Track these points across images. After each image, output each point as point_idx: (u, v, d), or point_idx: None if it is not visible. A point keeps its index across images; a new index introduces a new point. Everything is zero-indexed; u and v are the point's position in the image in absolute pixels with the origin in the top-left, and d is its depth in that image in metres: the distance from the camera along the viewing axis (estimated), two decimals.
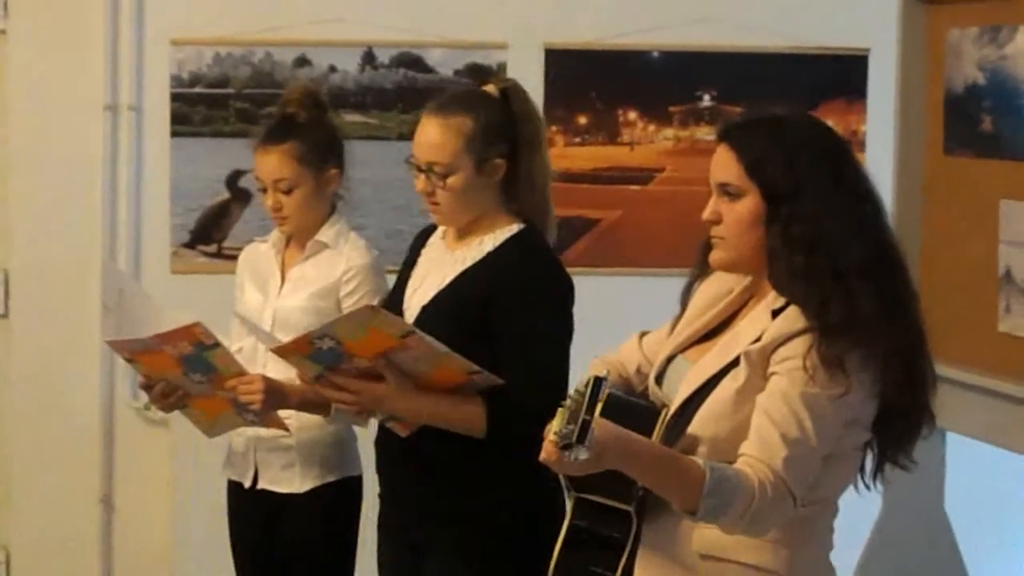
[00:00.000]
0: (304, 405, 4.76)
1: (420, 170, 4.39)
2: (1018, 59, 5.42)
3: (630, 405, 3.65)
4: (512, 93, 4.46)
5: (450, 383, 4.25)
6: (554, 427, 3.20)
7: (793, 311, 3.49)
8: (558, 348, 4.33)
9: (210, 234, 7.10)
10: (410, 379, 4.25)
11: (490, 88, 4.48)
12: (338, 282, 4.92)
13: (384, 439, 4.52)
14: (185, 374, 4.69)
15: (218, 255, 6.99)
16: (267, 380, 4.70)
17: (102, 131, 7.13)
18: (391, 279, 4.76)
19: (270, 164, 4.94)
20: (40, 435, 7.23)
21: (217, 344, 4.61)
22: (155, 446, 6.97)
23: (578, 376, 3.53)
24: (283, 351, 4.34)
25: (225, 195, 7.07)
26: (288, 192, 4.93)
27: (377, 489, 4.64)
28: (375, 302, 4.78)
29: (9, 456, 7.28)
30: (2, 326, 7.23)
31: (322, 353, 4.23)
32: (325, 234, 5.00)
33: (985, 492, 6.67)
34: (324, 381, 4.32)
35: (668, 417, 3.59)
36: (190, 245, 7.13)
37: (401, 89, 7.10)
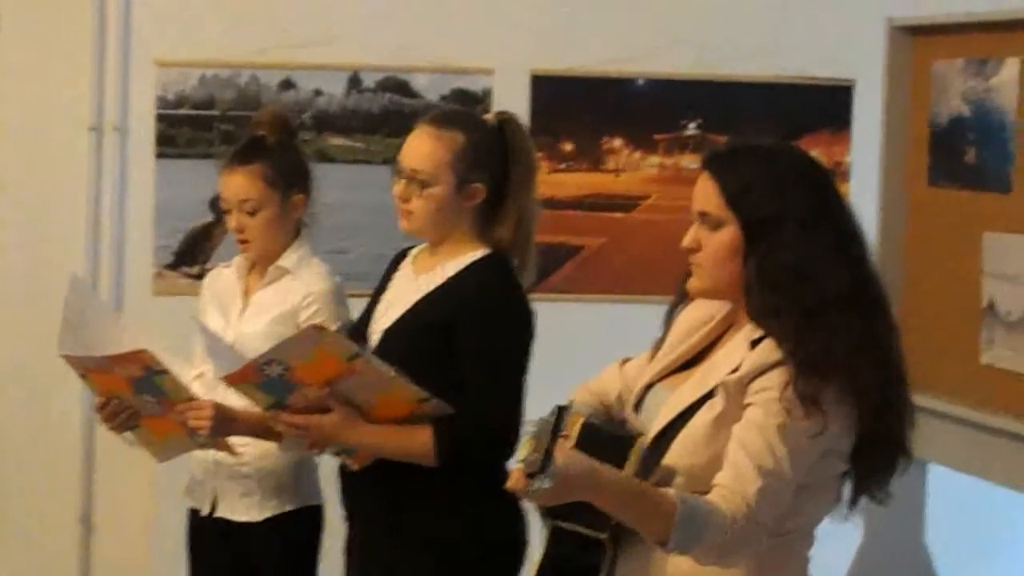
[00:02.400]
0: (254, 432, 4.70)
1: (402, 175, 4.39)
2: (1003, 92, 5.43)
3: (605, 434, 3.64)
4: (509, 127, 4.48)
5: (398, 413, 4.22)
6: (519, 455, 3.22)
7: (771, 342, 3.47)
8: (512, 374, 4.31)
9: (194, 255, 7.09)
10: (358, 410, 4.23)
11: (489, 117, 4.50)
12: (297, 307, 4.89)
13: (343, 468, 4.50)
14: (136, 395, 4.66)
15: (201, 277, 6.93)
16: (217, 407, 4.64)
17: (87, 151, 7.12)
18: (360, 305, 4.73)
19: (236, 184, 4.93)
20: (21, 454, 7.22)
21: (166, 371, 4.58)
22: (135, 465, 6.95)
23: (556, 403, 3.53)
24: (232, 379, 4.31)
25: (209, 217, 7.06)
26: (252, 214, 4.91)
27: (340, 513, 4.62)
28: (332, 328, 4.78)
29: None
30: None
31: (271, 381, 4.19)
32: (287, 259, 4.98)
33: (967, 523, 6.66)
34: (275, 414, 4.30)
35: (644, 446, 3.57)
36: (173, 266, 7.12)
37: (387, 113, 7.10)
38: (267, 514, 4.96)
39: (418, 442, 4.22)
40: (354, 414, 4.22)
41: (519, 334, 4.37)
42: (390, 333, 4.39)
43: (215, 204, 6.95)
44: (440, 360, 4.24)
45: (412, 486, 4.31)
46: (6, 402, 7.17)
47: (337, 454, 4.40)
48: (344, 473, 4.51)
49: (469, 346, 4.28)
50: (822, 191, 3.57)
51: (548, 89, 7.21)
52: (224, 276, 5.14)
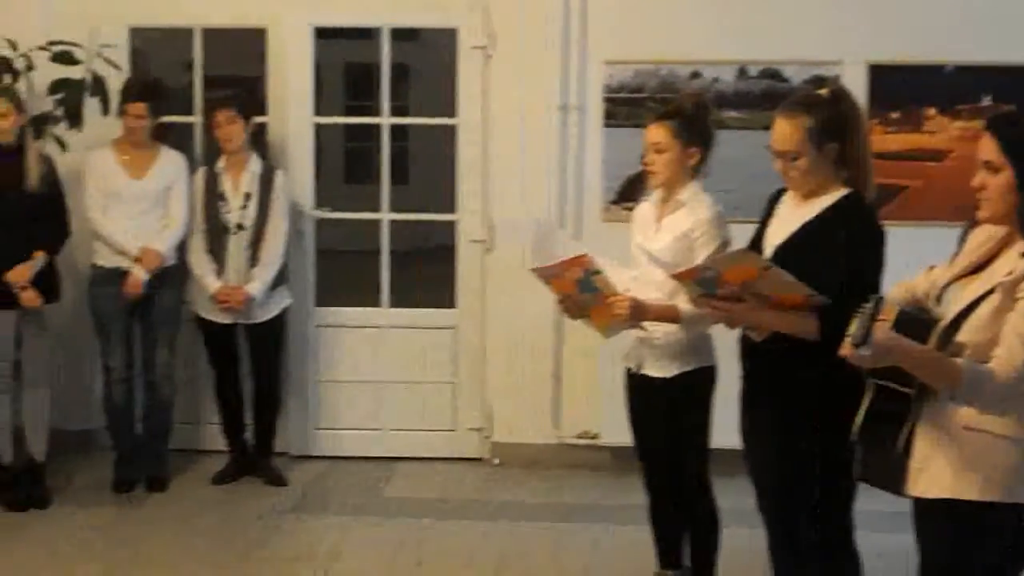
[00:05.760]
0: (659, 317, 4.81)
1: (776, 155, 4.34)
2: None
3: (914, 318, 3.59)
4: (839, 94, 4.35)
5: (792, 303, 4.19)
6: (849, 331, 3.23)
7: None
8: (870, 279, 4.22)
9: (629, 194, 7.13)
10: (763, 300, 4.22)
11: (823, 91, 4.39)
12: (690, 230, 4.90)
13: (745, 339, 4.49)
14: (580, 292, 4.75)
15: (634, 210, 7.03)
16: (632, 299, 4.76)
17: (556, 124, 7.23)
18: (743, 228, 4.69)
19: (653, 132, 4.99)
20: (509, 333, 7.41)
21: (599, 271, 4.67)
22: (587, 339, 7.06)
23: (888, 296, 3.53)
24: (679, 276, 4.38)
25: (640, 168, 7.07)
26: (659, 153, 4.95)
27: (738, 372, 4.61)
28: (715, 245, 4.76)
29: (488, 345, 7.48)
30: (489, 255, 7.41)
31: (704, 280, 4.25)
32: (683, 194, 4.97)
33: None
34: (703, 300, 4.33)
35: (942, 328, 3.51)
36: (616, 202, 7.19)
37: (765, 94, 7.03)
38: (675, 372, 4.99)
39: (805, 323, 4.15)
40: (761, 302, 4.22)
41: (875, 251, 4.28)
42: (781, 248, 4.32)
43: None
44: (817, 266, 4.18)
45: (792, 351, 4.27)
46: (502, 295, 7.36)
47: (745, 328, 4.41)
48: (747, 342, 4.48)
49: (843, 259, 4.19)
50: None
51: (881, 75, 7.04)
52: (645, 208, 5.17)
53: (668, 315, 4.76)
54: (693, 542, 5.20)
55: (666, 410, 5.00)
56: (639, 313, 4.78)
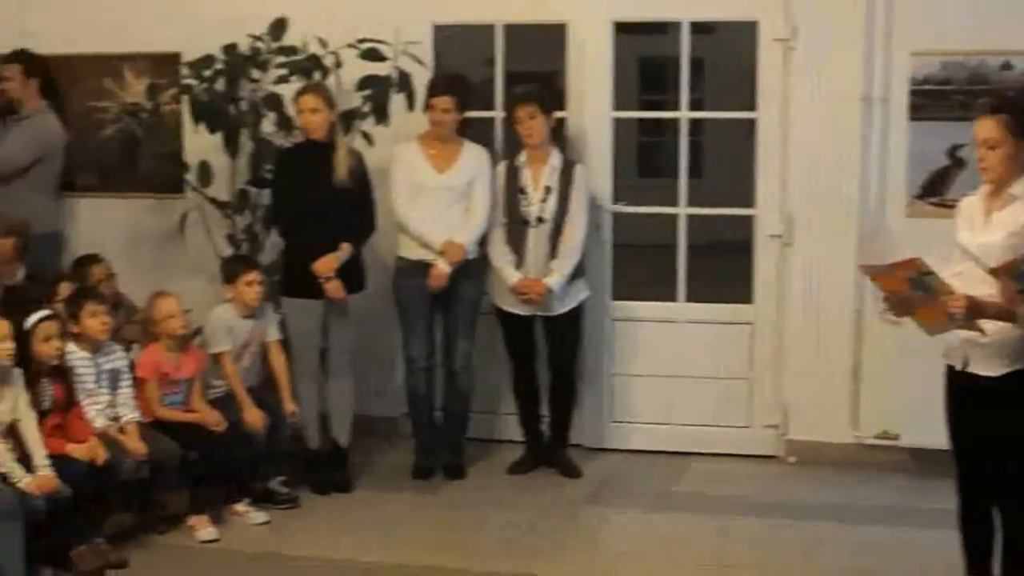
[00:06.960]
0: (998, 315, 4.62)
1: None
2: None
3: None
4: None
5: None
6: None
7: None
8: None
9: (935, 189, 6.97)
10: None
11: None
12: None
13: None
14: (911, 290, 4.66)
15: (940, 205, 6.84)
16: (968, 297, 4.59)
17: (859, 116, 7.11)
18: None
19: (984, 127, 4.79)
20: (807, 329, 7.32)
21: (932, 272, 4.55)
22: (891, 341, 6.91)
23: None
24: (996, 271, 4.28)
25: (946, 162, 6.93)
26: (992, 149, 4.78)
27: None
28: None
29: (785, 341, 7.40)
30: (788, 250, 7.32)
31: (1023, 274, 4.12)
32: (1015, 188, 4.79)
33: None
34: (1021, 297, 4.20)
35: None
36: (920, 197, 7.02)
37: None
38: (1003, 371, 4.81)
39: None
40: None
41: None
42: None
43: (951, 153, 6.87)
44: None
45: None
46: (801, 291, 7.28)
47: None
48: None
49: None
50: None
51: None
52: (971, 202, 5.00)
53: (1006, 313, 4.60)
54: (1006, 549, 5.03)
55: (991, 410, 4.85)
56: (976, 311, 4.64)
